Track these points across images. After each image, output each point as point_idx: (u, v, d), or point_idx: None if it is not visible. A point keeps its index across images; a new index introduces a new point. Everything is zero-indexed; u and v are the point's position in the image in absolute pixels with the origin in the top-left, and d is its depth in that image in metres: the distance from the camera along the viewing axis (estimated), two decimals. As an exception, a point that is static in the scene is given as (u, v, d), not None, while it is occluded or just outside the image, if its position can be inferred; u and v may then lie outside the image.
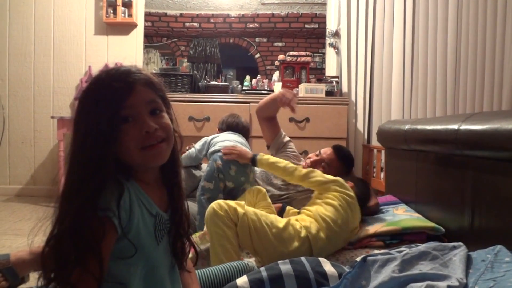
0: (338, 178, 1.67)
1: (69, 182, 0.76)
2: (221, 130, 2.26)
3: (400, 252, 1.09)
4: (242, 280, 1.10)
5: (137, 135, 0.78)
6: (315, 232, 1.47)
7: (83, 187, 0.73)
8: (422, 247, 1.07)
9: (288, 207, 1.78)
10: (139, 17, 3.86)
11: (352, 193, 1.62)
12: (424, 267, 1.00)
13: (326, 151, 2.09)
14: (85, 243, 0.70)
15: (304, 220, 1.53)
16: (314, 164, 2.05)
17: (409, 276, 0.97)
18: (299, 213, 1.67)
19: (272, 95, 2.18)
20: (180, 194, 0.92)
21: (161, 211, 0.86)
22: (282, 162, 1.74)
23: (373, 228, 1.60)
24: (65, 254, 0.71)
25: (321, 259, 1.20)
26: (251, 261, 1.45)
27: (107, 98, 0.77)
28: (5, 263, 1.35)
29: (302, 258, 1.19)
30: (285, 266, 1.15)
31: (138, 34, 3.88)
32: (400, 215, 1.81)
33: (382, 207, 2.01)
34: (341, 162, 2.07)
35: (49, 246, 0.74)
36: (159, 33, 3.94)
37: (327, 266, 1.16)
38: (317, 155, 2.09)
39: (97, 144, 0.74)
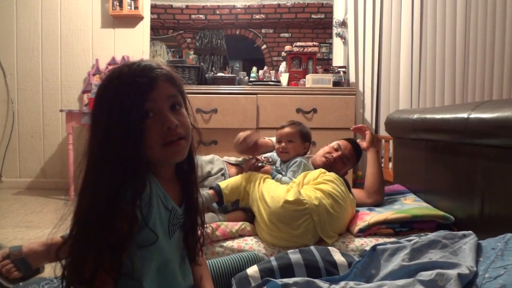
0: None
1: (90, 178, 0.76)
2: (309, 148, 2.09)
3: (409, 241, 1.09)
4: (253, 269, 1.11)
5: (159, 130, 0.79)
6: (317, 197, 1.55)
7: (107, 182, 0.73)
8: (431, 235, 1.07)
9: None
10: (145, 10, 3.85)
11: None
12: (434, 255, 1.00)
13: (346, 146, 2.04)
14: (114, 237, 0.72)
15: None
16: (337, 160, 2.00)
17: (419, 264, 0.97)
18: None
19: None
20: (195, 190, 0.93)
21: (176, 205, 0.87)
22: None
23: (383, 216, 1.60)
24: (90, 249, 0.72)
25: (331, 248, 1.21)
26: (260, 251, 1.47)
27: (131, 93, 0.77)
28: (17, 254, 1.38)
29: (312, 247, 1.20)
30: (294, 256, 1.15)
31: (144, 27, 3.88)
32: (409, 205, 1.81)
33: (390, 197, 2.01)
34: (357, 156, 2.08)
35: (72, 242, 0.75)
36: (165, 26, 3.93)
37: (337, 255, 1.17)
38: (336, 149, 2.02)
39: (122, 139, 0.75)
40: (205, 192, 1.64)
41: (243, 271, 1.12)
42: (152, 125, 0.79)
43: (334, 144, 2.06)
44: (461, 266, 0.91)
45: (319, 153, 2.07)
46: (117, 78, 0.79)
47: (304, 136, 1.98)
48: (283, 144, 1.94)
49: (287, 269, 1.12)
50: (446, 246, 1.02)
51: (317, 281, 0.98)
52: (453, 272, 0.87)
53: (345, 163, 2.02)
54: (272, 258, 1.16)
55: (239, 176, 1.76)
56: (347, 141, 2.08)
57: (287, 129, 1.96)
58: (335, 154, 2.00)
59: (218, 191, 1.68)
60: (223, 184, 1.71)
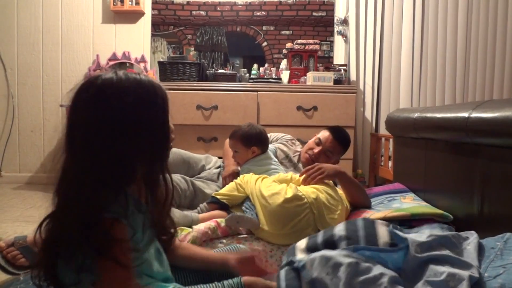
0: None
1: (82, 187, 0.78)
2: (261, 148, 1.96)
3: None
4: (303, 242, 1.08)
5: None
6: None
7: (99, 192, 0.76)
8: (440, 233, 1.04)
9: None
10: (146, 5, 3.84)
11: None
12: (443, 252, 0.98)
13: (326, 138, 2.06)
14: (102, 245, 0.73)
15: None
16: (318, 156, 2.02)
17: (430, 256, 0.94)
18: None
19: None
20: (156, 184, 0.93)
21: (144, 204, 0.89)
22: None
23: (382, 214, 1.60)
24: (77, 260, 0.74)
25: (378, 221, 1.11)
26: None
27: (158, 104, 0.85)
28: (22, 243, 1.40)
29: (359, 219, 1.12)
30: (338, 228, 1.09)
31: (145, 23, 3.87)
32: (408, 203, 1.81)
33: (389, 195, 2.01)
34: (342, 145, 2.09)
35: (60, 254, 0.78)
36: (166, 22, 3.93)
37: (381, 229, 1.07)
38: (317, 144, 2.06)
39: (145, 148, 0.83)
40: (203, 206, 1.71)
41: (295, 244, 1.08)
42: None
43: (316, 138, 2.09)
44: (473, 267, 0.89)
45: (304, 149, 2.13)
46: (141, 88, 0.84)
47: (245, 141, 1.90)
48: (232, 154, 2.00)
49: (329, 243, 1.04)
50: (454, 246, 1.00)
51: (336, 255, 0.92)
52: (465, 273, 0.86)
53: (329, 156, 2.04)
54: (320, 233, 1.11)
55: (231, 184, 1.76)
56: (329, 131, 2.08)
57: (229, 141, 1.98)
58: (316, 150, 2.04)
59: (216, 202, 1.69)
60: (218, 194, 1.72)
